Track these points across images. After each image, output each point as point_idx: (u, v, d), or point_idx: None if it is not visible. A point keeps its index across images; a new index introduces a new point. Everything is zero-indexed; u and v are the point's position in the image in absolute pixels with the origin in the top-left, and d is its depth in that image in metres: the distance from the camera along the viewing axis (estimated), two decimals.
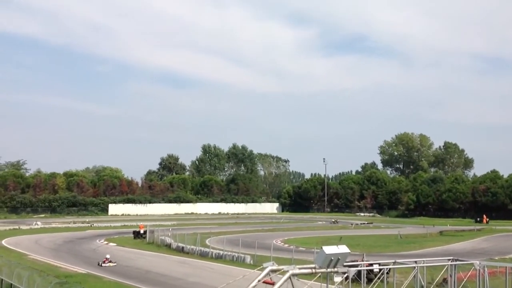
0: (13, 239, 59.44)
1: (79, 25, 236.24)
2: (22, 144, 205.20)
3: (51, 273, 31.48)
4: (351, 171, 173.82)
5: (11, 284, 24.24)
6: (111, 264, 38.82)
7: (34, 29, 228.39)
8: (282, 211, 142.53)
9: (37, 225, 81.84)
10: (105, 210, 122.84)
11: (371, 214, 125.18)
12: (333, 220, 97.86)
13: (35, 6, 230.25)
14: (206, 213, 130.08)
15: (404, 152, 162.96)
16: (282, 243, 55.42)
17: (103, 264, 38.62)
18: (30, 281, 22.50)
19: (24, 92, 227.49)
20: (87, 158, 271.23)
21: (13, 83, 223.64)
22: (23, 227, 77.50)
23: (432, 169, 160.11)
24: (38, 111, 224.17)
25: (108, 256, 40.32)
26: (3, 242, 55.70)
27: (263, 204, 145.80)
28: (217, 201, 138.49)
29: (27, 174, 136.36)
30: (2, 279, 25.75)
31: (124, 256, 45.00)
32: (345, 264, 18.27)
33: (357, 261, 24.75)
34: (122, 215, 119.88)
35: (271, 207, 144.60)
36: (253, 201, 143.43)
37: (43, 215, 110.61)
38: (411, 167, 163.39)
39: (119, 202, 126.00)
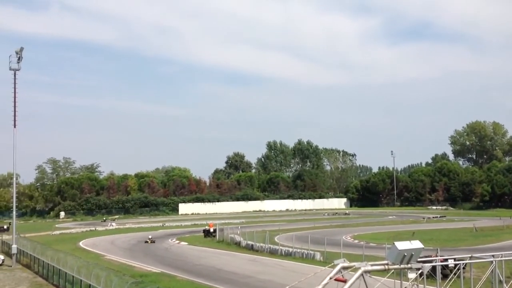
0: (90, 240, 61.96)
1: (146, 29, 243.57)
2: (96, 147, 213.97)
3: (127, 273, 32.51)
4: (421, 163, 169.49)
5: (90, 284, 25.17)
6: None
7: (106, 36, 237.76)
8: (350, 206, 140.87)
9: (112, 226, 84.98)
10: (175, 210, 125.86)
11: (443, 207, 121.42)
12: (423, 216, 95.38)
13: (106, 13, 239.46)
14: (273, 210, 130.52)
15: (477, 142, 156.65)
16: (352, 239, 54.71)
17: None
18: (108, 281, 23.26)
19: (96, 96, 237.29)
20: (156, 159, 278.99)
21: (86, 88, 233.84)
22: (99, 228, 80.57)
23: (507, 158, 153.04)
24: (109, 115, 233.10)
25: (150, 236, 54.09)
26: (81, 243, 58.16)
27: (330, 199, 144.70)
28: (284, 198, 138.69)
29: (101, 177, 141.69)
30: (81, 280, 26.78)
31: (195, 254, 45.84)
32: (418, 259, 17.79)
33: (431, 256, 24.03)
34: (192, 214, 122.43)
35: (338, 203, 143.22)
36: (320, 197, 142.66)
37: (117, 216, 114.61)
38: (485, 156, 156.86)
39: (189, 201, 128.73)
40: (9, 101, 44.87)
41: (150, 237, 58.98)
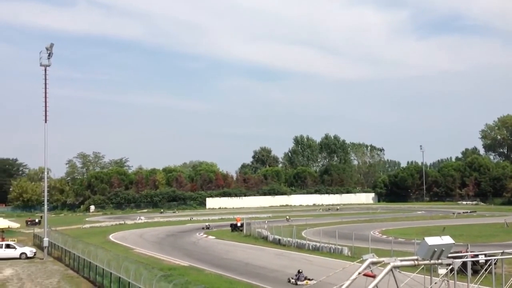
0: (119, 233, 62.82)
1: (173, 25, 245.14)
2: (124, 142, 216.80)
3: (156, 266, 32.85)
4: (451, 158, 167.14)
5: (119, 277, 25.53)
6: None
7: (134, 32, 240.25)
8: (378, 201, 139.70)
9: (141, 219, 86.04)
10: (203, 204, 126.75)
11: (474, 202, 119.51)
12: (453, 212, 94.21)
13: (133, 10, 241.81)
14: (300, 205, 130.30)
15: (508, 136, 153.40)
16: (380, 234, 54.26)
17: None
18: (137, 274, 23.55)
19: (124, 92, 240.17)
20: (184, 153, 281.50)
21: (114, 84, 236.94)
22: (128, 221, 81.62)
23: None
24: (137, 110, 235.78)
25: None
26: (110, 237, 59.02)
27: (358, 194, 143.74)
28: (311, 193, 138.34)
29: (130, 171, 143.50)
30: (111, 273, 27.19)
31: (223, 248, 46.10)
32: (449, 255, 17.56)
33: (461, 252, 23.72)
34: (219, 208, 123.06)
35: (366, 198, 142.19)
36: (347, 192, 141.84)
37: (145, 210, 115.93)
38: None
39: (216, 195, 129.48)
40: (41, 97, 45.72)
41: (207, 224, 67.21)
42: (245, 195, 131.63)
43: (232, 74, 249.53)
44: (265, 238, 51.61)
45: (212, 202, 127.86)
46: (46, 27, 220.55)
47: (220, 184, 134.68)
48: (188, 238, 55.69)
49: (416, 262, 16.96)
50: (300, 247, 43.99)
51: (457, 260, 18.01)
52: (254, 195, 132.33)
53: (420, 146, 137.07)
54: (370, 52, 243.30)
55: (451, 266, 17.37)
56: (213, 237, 56.03)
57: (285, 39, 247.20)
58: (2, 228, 54.20)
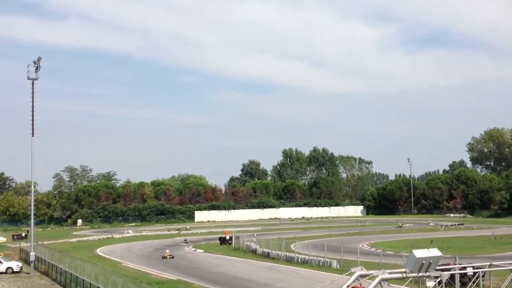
0: (107, 247, 62.28)
1: (167, 39, 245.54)
2: (112, 155, 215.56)
3: (144, 280, 32.62)
4: (438, 171, 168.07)
5: None
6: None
7: (126, 46, 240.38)
8: (367, 214, 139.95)
9: (129, 233, 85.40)
10: (191, 217, 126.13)
11: (461, 215, 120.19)
12: (429, 222, 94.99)
13: (126, 24, 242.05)
14: (289, 218, 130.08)
15: (495, 149, 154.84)
16: (369, 247, 54.34)
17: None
18: None
19: (114, 105, 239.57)
20: (172, 166, 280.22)
21: (105, 97, 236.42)
22: (116, 235, 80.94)
23: None
24: (125, 123, 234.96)
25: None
26: (98, 251, 58.50)
27: (346, 207, 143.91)
28: (300, 206, 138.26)
29: (118, 185, 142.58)
30: (98, 287, 26.95)
31: (211, 262, 45.88)
32: (437, 268, 17.64)
33: (449, 264, 23.81)
34: (208, 221, 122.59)
35: (355, 210, 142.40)
36: (336, 205, 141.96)
37: (133, 224, 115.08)
38: (503, 164, 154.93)
39: (204, 209, 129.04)
40: (28, 110, 45.47)
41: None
42: (233, 208, 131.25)
43: (224, 87, 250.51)
44: (254, 251, 51.47)
45: (200, 215, 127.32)
46: (37, 41, 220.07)
47: (208, 197, 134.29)
48: (176, 251, 55.31)
49: (404, 275, 17.03)
50: (289, 260, 43.91)
51: (445, 272, 18.12)
52: (243, 208, 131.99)
53: (408, 159, 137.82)
54: (360, 65, 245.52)
55: (439, 279, 17.48)
56: (202, 251, 55.76)
57: (278, 53, 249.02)
58: None
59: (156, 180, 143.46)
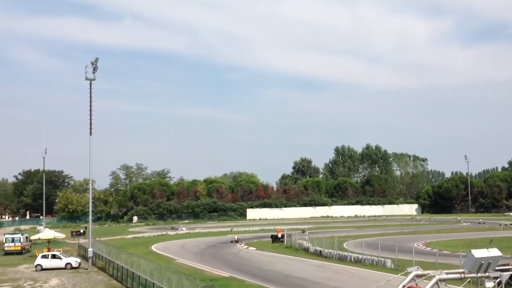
0: (161, 244, 63.51)
1: (215, 37, 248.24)
2: (166, 153, 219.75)
3: (198, 277, 33.01)
4: (497, 168, 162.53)
5: (162, 287, 25.75)
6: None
7: (177, 44, 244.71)
8: (422, 212, 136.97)
9: (182, 230, 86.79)
10: (243, 215, 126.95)
11: None
12: (480, 220, 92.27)
13: (176, 23, 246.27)
14: (341, 216, 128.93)
15: None
16: (424, 246, 53.08)
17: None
18: (179, 285, 23.69)
19: (166, 103, 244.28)
20: (224, 164, 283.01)
21: (157, 96, 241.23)
22: (170, 232, 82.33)
23: None
24: (179, 122, 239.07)
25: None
26: (153, 247, 59.72)
27: (400, 205, 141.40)
28: (352, 204, 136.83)
29: (171, 182, 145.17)
30: (153, 283, 27.45)
31: (263, 260, 45.98)
32: (496, 268, 17.06)
33: (509, 264, 22.99)
34: (260, 219, 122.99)
35: (409, 209, 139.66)
36: (390, 203, 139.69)
37: (187, 221, 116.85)
38: None
39: (256, 206, 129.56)
40: (86, 110, 46.79)
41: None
42: (285, 206, 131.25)
43: (273, 85, 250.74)
44: (306, 250, 51.24)
45: (252, 213, 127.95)
46: (90, 41, 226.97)
47: (260, 195, 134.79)
48: (229, 249, 55.80)
49: (462, 275, 16.56)
50: (342, 259, 43.45)
51: (505, 273, 17.51)
52: (295, 206, 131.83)
53: (465, 156, 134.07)
54: (413, 60, 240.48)
55: (498, 279, 16.91)
56: (254, 248, 55.97)
57: (327, 49, 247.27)
58: (49, 239, 55.69)
59: (208, 178, 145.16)
